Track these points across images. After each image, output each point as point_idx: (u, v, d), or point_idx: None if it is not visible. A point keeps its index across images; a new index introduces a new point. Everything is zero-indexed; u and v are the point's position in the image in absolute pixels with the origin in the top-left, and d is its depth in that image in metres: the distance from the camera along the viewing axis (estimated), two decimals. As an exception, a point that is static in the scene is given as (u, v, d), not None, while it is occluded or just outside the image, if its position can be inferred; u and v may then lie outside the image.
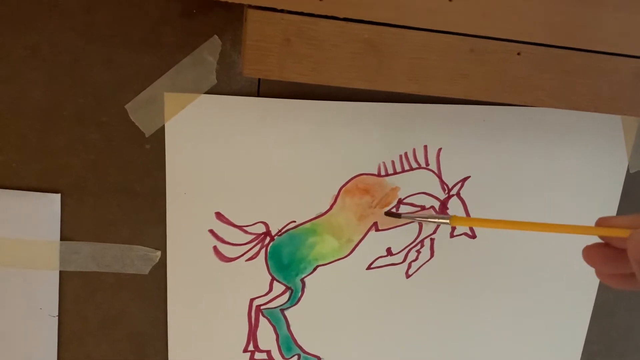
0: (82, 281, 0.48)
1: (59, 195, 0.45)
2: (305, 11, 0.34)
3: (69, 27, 0.42)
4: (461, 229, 0.51)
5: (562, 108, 0.39)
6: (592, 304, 0.56)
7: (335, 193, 0.48)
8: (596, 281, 0.56)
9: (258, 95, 0.45)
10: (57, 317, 0.48)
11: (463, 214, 0.51)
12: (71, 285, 0.48)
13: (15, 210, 0.45)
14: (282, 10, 0.35)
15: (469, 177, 0.49)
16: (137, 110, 0.44)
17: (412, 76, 0.37)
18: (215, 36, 0.43)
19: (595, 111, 0.40)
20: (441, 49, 0.37)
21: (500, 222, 0.41)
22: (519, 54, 0.38)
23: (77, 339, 0.49)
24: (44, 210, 0.45)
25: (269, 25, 0.34)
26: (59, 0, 0.41)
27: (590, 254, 0.34)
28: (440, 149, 0.48)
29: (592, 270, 0.55)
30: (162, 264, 0.48)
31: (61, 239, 0.46)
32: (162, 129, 0.45)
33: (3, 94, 0.42)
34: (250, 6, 0.34)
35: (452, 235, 0.51)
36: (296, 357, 0.52)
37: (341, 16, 0.35)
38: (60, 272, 0.47)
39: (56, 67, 0.43)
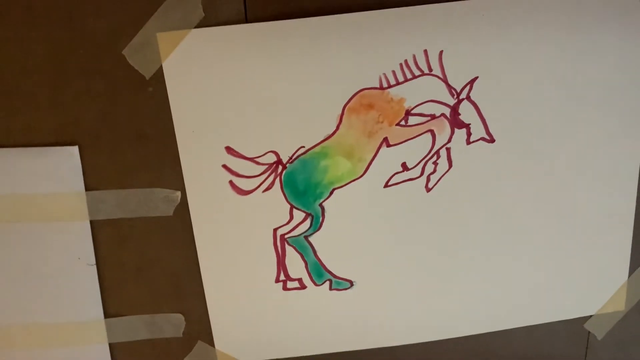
0: (113, 228, 0.50)
1: (76, 147, 0.48)
2: None
3: (59, -17, 0.43)
4: (477, 133, 0.49)
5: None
6: (634, 206, 0.53)
7: (340, 112, 0.48)
8: (636, 178, 0.52)
9: (246, 21, 0.45)
10: (95, 266, 0.51)
11: (477, 118, 0.49)
12: (103, 234, 0.50)
13: (38, 167, 0.47)
14: None
15: (476, 77, 0.48)
16: (134, 54, 0.45)
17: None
18: (195, -32, 0.43)
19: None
20: None
21: None
22: None
23: (117, 284, 0.52)
24: (65, 164, 0.48)
25: None
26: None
27: None
28: (441, 52, 0.47)
29: (629, 166, 0.51)
30: (184, 204, 0.50)
31: (86, 190, 0.49)
32: (161, 69, 0.46)
33: (8, 56, 0.45)
34: None
35: (468, 142, 0.49)
36: (328, 282, 0.53)
37: None
38: (91, 222, 0.50)
39: (52, 23, 0.44)
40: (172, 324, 0.53)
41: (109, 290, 0.52)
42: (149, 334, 0.53)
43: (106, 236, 0.50)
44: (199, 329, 0.53)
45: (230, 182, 0.49)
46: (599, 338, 0.58)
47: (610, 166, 0.51)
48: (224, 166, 0.48)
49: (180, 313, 0.53)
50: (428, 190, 0.51)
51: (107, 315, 0.52)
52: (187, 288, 0.52)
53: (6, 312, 0.51)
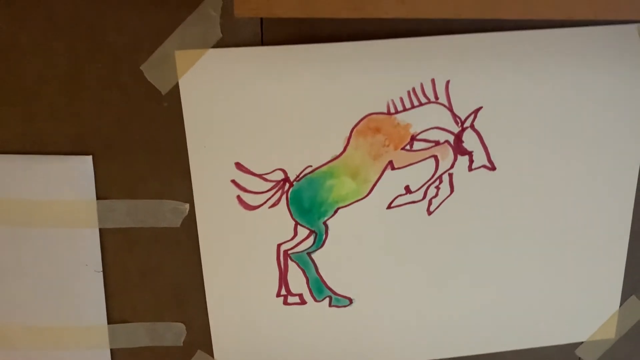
0: (121, 237, 0.51)
1: (90, 157, 0.49)
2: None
3: (81, -5, 0.45)
4: (479, 161, 0.51)
5: (557, 17, 0.38)
6: (629, 231, 0.55)
7: (347, 135, 0.49)
8: (630, 207, 0.54)
9: (262, 44, 0.47)
10: (102, 272, 0.52)
11: (480, 146, 0.51)
12: (111, 241, 0.51)
13: (52, 174, 0.49)
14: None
15: (481, 107, 0.49)
16: (152, 70, 0.47)
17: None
18: (216, -10, 0.45)
19: (594, 17, 0.39)
20: (426, -30, 0.37)
21: None
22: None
23: (122, 291, 0.53)
24: (78, 172, 0.49)
25: (254, -35, 0.36)
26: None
27: None
28: (448, 81, 0.48)
29: (624, 196, 0.53)
30: (192, 216, 0.51)
31: (97, 198, 0.50)
32: (177, 85, 0.47)
33: (30, 65, 0.46)
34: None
35: (470, 169, 0.51)
36: (328, 299, 0.54)
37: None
38: (100, 230, 0.51)
39: (74, 34, 0.46)
40: (173, 333, 0.54)
41: (113, 296, 0.53)
42: (150, 341, 0.54)
43: (113, 244, 0.52)
44: (200, 338, 0.54)
45: (238, 197, 0.50)
46: (589, 364, 0.59)
47: (606, 197, 0.53)
48: (233, 181, 0.50)
49: (182, 322, 0.54)
50: (429, 213, 0.52)
51: (110, 321, 0.53)
52: (190, 298, 0.54)
53: (12, 314, 0.52)
